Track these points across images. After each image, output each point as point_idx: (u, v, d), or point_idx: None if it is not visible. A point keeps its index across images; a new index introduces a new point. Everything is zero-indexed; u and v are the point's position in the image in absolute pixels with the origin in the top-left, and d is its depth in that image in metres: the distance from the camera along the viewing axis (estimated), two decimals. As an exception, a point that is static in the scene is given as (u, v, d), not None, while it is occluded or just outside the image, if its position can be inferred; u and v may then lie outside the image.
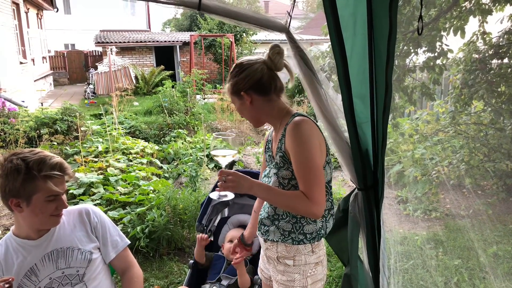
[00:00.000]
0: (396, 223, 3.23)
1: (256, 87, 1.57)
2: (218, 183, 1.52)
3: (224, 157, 1.58)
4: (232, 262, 2.06)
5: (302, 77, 1.64)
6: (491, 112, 3.14)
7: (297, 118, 1.54)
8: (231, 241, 2.38)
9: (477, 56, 3.05)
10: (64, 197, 1.66)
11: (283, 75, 1.67)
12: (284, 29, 1.60)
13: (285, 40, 1.69)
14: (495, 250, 2.51)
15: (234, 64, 1.63)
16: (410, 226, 3.37)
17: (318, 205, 1.47)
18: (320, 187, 1.48)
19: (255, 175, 2.02)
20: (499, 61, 2.95)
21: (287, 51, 1.67)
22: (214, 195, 1.59)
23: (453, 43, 3.08)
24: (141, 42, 18.38)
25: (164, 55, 18.82)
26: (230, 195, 1.58)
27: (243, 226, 2.51)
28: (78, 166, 5.32)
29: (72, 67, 22.75)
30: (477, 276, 2.63)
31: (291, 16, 1.70)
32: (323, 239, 1.68)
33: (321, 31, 3.73)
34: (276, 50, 1.57)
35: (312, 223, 1.59)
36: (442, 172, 3.48)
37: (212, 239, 2.52)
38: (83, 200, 4.27)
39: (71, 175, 1.66)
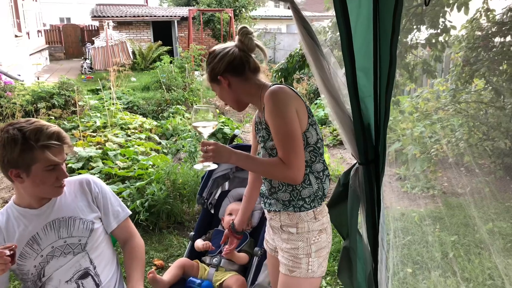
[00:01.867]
0: (394, 200, 3.25)
1: (231, 69, 1.61)
2: (201, 154, 1.54)
3: (205, 127, 1.60)
4: (223, 254, 2.12)
5: (306, 50, 1.62)
6: (492, 91, 3.13)
7: (271, 88, 1.57)
8: (230, 214, 2.40)
9: (480, 33, 3.02)
10: (64, 166, 1.66)
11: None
12: (289, 0, 1.57)
13: (286, 16, 1.68)
14: (491, 227, 2.54)
15: (208, 53, 1.69)
16: (408, 203, 3.41)
17: (295, 170, 1.50)
18: (297, 153, 1.51)
19: (247, 147, 2.04)
20: (502, 38, 2.92)
21: (290, 25, 1.64)
22: (198, 166, 1.61)
23: (456, 19, 3.04)
24: (138, 16, 18.10)
25: (162, 30, 18.57)
26: (213, 165, 1.60)
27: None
28: (77, 141, 5.31)
29: (68, 42, 22.43)
30: (472, 252, 2.67)
31: (295, -14, 1.67)
32: (325, 207, 1.71)
33: (323, 4, 3.67)
34: (244, 31, 1.61)
35: (308, 187, 1.61)
36: (441, 150, 3.49)
37: (212, 211, 2.55)
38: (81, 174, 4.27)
39: (70, 144, 1.65)
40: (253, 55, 1.67)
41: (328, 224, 1.71)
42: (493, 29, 2.97)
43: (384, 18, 1.46)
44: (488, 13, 2.92)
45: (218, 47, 1.67)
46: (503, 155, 2.83)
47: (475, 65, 3.05)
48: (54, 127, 1.60)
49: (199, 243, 2.34)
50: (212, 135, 6.59)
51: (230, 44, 1.66)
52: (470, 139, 3.19)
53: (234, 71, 1.62)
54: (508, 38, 2.87)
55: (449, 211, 3.16)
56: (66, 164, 4.62)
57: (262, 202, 1.77)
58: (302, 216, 1.63)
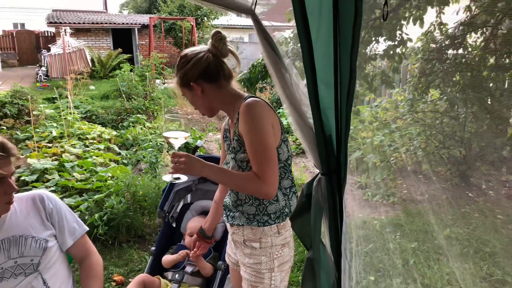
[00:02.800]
0: (356, 208, 3.30)
1: (205, 76, 1.57)
2: (171, 166, 1.50)
3: (176, 139, 1.55)
4: (190, 257, 2.03)
5: (268, 61, 1.62)
6: (447, 101, 3.24)
7: (248, 100, 1.54)
8: (191, 234, 2.33)
9: (434, 45, 3.13)
10: (13, 180, 1.56)
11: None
12: (250, 11, 1.57)
13: (248, 25, 1.66)
14: (448, 233, 2.62)
15: (179, 57, 1.62)
16: (370, 210, 3.46)
17: (269, 185, 1.48)
18: (272, 168, 1.49)
19: (216, 160, 2.00)
20: (455, 51, 3.04)
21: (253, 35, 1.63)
22: (167, 178, 1.57)
23: (412, 32, 3.14)
24: (97, 23, 17.67)
25: (122, 38, 18.23)
26: (183, 177, 1.56)
27: (206, 212, 2.48)
28: (31, 152, 5.08)
29: (22, 48, 21.59)
30: (432, 258, 2.74)
31: (256, -2, 1.67)
32: (288, 221, 1.69)
33: (284, 17, 3.70)
34: (218, 37, 1.57)
35: (274, 203, 1.59)
36: (400, 159, 3.58)
37: (174, 225, 2.49)
38: (36, 187, 4.08)
39: (17, 156, 1.56)
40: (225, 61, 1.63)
41: (290, 238, 1.70)
42: (446, 42, 3.09)
43: (344, 31, 1.48)
44: (442, 26, 3.04)
45: (190, 51, 1.61)
46: (458, 163, 2.93)
47: (431, 76, 3.16)
48: None
49: (168, 258, 2.27)
50: (195, 149, 6.48)
51: (202, 49, 1.60)
52: (427, 147, 3.29)
53: (208, 78, 1.57)
54: (460, 51, 2.99)
55: (408, 219, 3.24)
56: (19, 177, 4.40)
57: (225, 215, 1.73)
58: (265, 231, 1.60)
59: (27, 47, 21.66)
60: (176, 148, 1.56)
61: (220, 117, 8.74)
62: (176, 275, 2.20)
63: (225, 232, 2.40)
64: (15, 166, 1.56)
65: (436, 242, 2.82)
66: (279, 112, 8.15)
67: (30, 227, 1.64)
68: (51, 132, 6.01)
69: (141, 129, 6.90)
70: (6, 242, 1.58)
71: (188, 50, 1.62)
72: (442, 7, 3.01)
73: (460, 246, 2.59)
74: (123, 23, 18.22)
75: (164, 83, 11.79)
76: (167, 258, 2.29)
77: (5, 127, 6.42)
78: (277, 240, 1.62)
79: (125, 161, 5.52)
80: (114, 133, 6.71)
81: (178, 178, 1.56)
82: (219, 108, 1.67)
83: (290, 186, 1.65)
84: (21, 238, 1.61)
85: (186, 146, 6.48)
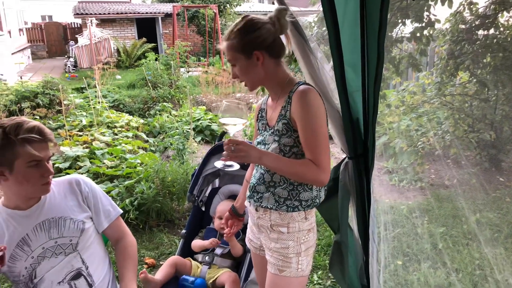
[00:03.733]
0: (383, 193, 3.29)
1: (271, 48, 1.52)
2: (225, 152, 1.44)
3: (235, 125, 1.51)
4: (224, 236, 2.01)
5: (295, 45, 1.62)
6: (476, 83, 3.16)
7: (303, 87, 1.52)
8: (220, 217, 2.36)
9: (463, 26, 3.05)
10: (50, 164, 1.63)
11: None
12: (276, -6, 1.57)
13: (269, 11, 1.65)
14: (478, 218, 2.58)
15: (242, 19, 1.53)
16: (396, 195, 3.44)
17: (326, 172, 1.48)
18: (327, 155, 1.49)
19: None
20: (485, 31, 2.95)
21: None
22: (219, 164, 1.53)
23: (440, 13, 3.07)
24: (122, 13, 17.88)
25: (146, 27, 18.38)
26: (236, 165, 1.52)
27: (234, 196, 2.52)
28: (63, 140, 5.24)
29: (51, 40, 22.07)
30: (461, 243, 2.71)
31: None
32: (314, 208, 1.68)
33: (309, 0, 3.67)
34: (285, 13, 1.51)
35: (308, 191, 1.59)
36: (428, 143, 3.53)
37: (203, 209, 2.54)
38: (69, 174, 4.22)
39: (54, 141, 1.61)
40: None
41: (315, 223, 1.70)
42: (476, 22, 3.00)
43: (371, 13, 1.47)
44: (471, 6, 2.95)
45: (257, 18, 1.52)
46: (488, 146, 2.87)
47: (459, 58, 3.08)
48: (34, 122, 1.57)
49: (198, 242, 2.32)
50: (199, 131, 6.56)
51: (266, 20, 1.52)
52: (456, 131, 3.23)
53: (272, 52, 1.53)
54: (491, 31, 2.91)
55: (437, 203, 3.20)
56: (53, 164, 4.57)
57: (251, 197, 1.68)
58: (294, 216, 1.60)
59: (55, 39, 22.13)
60: (232, 134, 1.53)
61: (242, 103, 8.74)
62: (206, 257, 2.26)
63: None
64: (52, 153, 1.62)
65: (466, 227, 2.78)
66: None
67: (68, 209, 1.72)
68: (81, 121, 6.18)
69: (168, 117, 7.00)
70: (47, 223, 1.66)
71: (253, 16, 1.54)
72: (472, -15, 2.92)
73: (490, 231, 2.55)
74: (147, 13, 18.37)
75: (188, 72, 11.88)
76: (197, 243, 2.34)
77: (38, 117, 6.63)
78: (304, 225, 1.62)
79: (153, 148, 5.64)
80: (142, 121, 6.84)
81: (230, 166, 1.52)
82: (267, 84, 1.63)
83: None
84: (60, 219, 1.68)
85: (211, 133, 6.55)
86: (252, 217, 1.75)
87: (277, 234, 1.64)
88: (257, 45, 1.50)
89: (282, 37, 1.57)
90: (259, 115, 1.73)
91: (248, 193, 1.71)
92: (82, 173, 4.25)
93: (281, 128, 1.56)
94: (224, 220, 1.96)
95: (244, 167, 1.90)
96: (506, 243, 2.50)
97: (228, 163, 1.51)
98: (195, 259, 2.31)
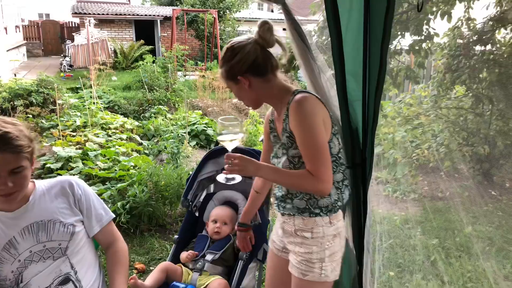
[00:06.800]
0: (376, 203, 3.29)
1: (253, 69, 1.54)
2: (225, 166, 1.51)
3: (231, 141, 1.56)
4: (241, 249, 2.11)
5: (297, 52, 1.62)
6: (472, 98, 3.19)
7: (298, 96, 1.51)
8: (215, 220, 2.35)
9: (461, 41, 3.08)
10: (22, 174, 1.49)
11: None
12: (280, 0, 1.57)
13: (271, 19, 1.65)
14: (470, 231, 2.59)
15: (225, 48, 1.58)
16: (389, 206, 3.44)
17: (324, 182, 1.48)
18: (326, 165, 1.48)
19: (257, 154, 2.00)
20: (482, 47, 2.98)
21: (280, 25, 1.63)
22: (221, 178, 1.58)
23: (439, 27, 3.09)
24: (120, 15, 17.86)
25: (144, 29, 18.36)
26: (237, 178, 1.57)
27: (228, 202, 2.50)
28: (55, 140, 5.20)
29: (47, 38, 21.95)
30: (453, 255, 2.71)
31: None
32: (341, 212, 1.67)
33: (308, 9, 3.68)
34: (266, 27, 1.52)
35: (326, 197, 1.59)
36: (422, 155, 3.54)
37: (197, 214, 2.52)
38: (60, 175, 4.18)
39: (24, 151, 1.47)
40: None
41: (342, 228, 1.68)
42: (474, 38, 3.03)
43: (375, 23, 1.47)
44: (470, 22, 2.98)
45: (237, 42, 1.56)
46: (481, 160, 2.88)
47: (456, 72, 3.11)
48: None
49: (184, 255, 2.30)
50: (195, 136, 6.54)
51: (249, 40, 1.55)
52: (450, 144, 3.25)
53: (256, 72, 1.55)
54: (488, 47, 2.93)
55: (429, 215, 3.20)
56: (44, 164, 4.52)
57: (276, 204, 1.74)
58: (317, 221, 1.60)
59: (51, 37, 22.01)
60: (230, 150, 1.57)
61: (241, 110, 8.75)
62: (198, 264, 2.23)
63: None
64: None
65: (458, 240, 2.79)
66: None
67: (58, 212, 1.67)
68: (75, 121, 6.14)
69: (163, 120, 6.98)
70: (35, 226, 1.62)
71: (234, 41, 1.57)
72: (471, 1, 2.95)
73: (482, 244, 2.56)
74: (145, 15, 18.36)
75: (185, 75, 11.87)
76: (182, 255, 2.32)
77: (31, 115, 6.57)
78: (329, 230, 1.61)
79: (147, 151, 5.60)
80: (136, 123, 6.81)
81: (232, 179, 1.58)
82: (266, 101, 1.65)
83: (342, 179, 1.64)
84: (49, 222, 1.64)
85: (206, 138, 6.52)
86: (278, 220, 1.80)
87: (301, 238, 1.64)
88: (239, 71, 1.53)
89: (278, 48, 1.57)
90: (270, 127, 1.73)
91: (276, 202, 1.76)
92: (74, 174, 4.20)
93: (286, 141, 1.58)
94: (241, 244, 2.07)
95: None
96: (497, 256, 2.50)
97: (229, 176, 1.57)
98: (186, 266, 2.28)
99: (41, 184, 1.72)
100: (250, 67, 1.52)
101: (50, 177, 4.10)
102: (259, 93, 1.59)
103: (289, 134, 1.55)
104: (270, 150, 1.76)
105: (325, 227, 1.60)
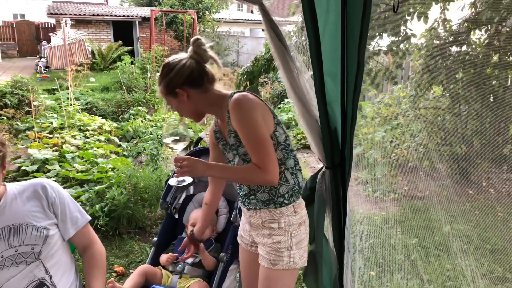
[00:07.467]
0: (357, 204, 3.31)
1: (189, 81, 1.60)
2: (175, 169, 1.55)
3: (176, 144, 1.61)
4: (179, 259, 2.11)
5: (275, 52, 1.62)
6: (449, 98, 3.24)
7: (234, 96, 1.58)
8: (193, 224, 2.33)
9: (438, 42, 3.13)
10: None
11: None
12: (258, 1, 1.56)
13: (249, 19, 1.65)
14: (449, 230, 2.63)
15: (162, 66, 1.65)
16: (370, 206, 3.47)
17: (271, 173, 1.54)
18: (269, 156, 1.54)
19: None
20: (458, 48, 3.03)
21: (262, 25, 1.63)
22: (173, 182, 1.62)
23: (416, 28, 3.14)
24: (98, 15, 17.59)
25: (123, 30, 18.14)
26: (188, 179, 1.61)
27: (208, 204, 2.48)
28: (31, 142, 5.07)
29: (22, 39, 21.47)
30: (432, 254, 2.75)
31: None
32: (303, 201, 1.74)
33: (288, 10, 3.68)
34: (198, 43, 1.60)
35: (285, 183, 1.65)
36: (401, 155, 3.58)
37: (176, 216, 2.48)
38: (36, 177, 4.07)
39: None
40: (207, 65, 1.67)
41: (306, 216, 1.75)
42: (450, 39, 3.08)
43: (352, 24, 1.47)
44: (446, 23, 3.03)
45: (172, 59, 1.64)
46: (459, 160, 2.93)
47: (434, 73, 3.15)
48: None
49: (164, 257, 2.28)
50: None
51: (183, 56, 1.64)
52: (428, 144, 3.29)
53: (192, 83, 1.60)
54: (464, 48, 2.99)
55: (409, 215, 3.24)
56: (20, 167, 4.40)
57: (240, 201, 1.80)
58: (282, 211, 1.66)
59: (27, 38, 21.55)
60: (179, 152, 1.61)
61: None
62: (177, 267, 2.19)
63: (227, 225, 2.40)
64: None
65: (437, 239, 2.83)
66: (280, 107, 8.14)
67: (30, 215, 1.62)
68: (52, 123, 6.00)
69: (142, 121, 6.89)
70: (6, 230, 1.57)
71: (170, 59, 1.65)
72: (447, 3, 3.00)
73: (461, 243, 2.60)
74: (124, 16, 18.13)
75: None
76: (162, 258, 2.30)
77: (5, 117, 6.40)
78: (294, 219, 1.67)
79: (125, 153, 5.52)
80: (115, 125, 6.70)
81: (183, 181, 1.62)
82: (206, 111, 1.71)
83: (295, 164, 1.69)
84: (21, 226, 1.59)
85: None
86: (244, 215, 1.84)
87: (268, 230, 1.70)
88: (176, 83, 1.59)
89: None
90: (215, 137, 1.80)
91: (240, 199, 1.81)
92: (50, 177, 4.10)
93: (234, 142, 1.65)
94: (182, 246, 2.09)
95: None
96: (475, 255, 2.55)
97: (180, 178, 1.62)
98: (165, 268, 2.24)
99: (13, 187, 1.67)
100: (187, 79, 1.59)
101: (26, 179, 3.98)
102: (198, 104, 1.65)
103: (235, 133, 1.62)
104: (218, 161, 1.83)
105: (290, 217, 1.67)
